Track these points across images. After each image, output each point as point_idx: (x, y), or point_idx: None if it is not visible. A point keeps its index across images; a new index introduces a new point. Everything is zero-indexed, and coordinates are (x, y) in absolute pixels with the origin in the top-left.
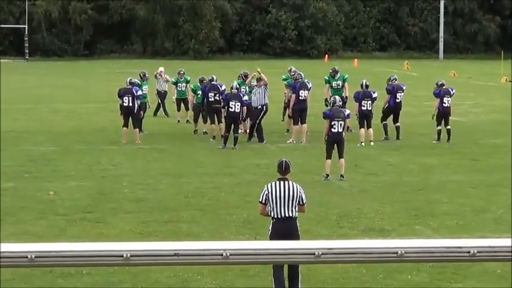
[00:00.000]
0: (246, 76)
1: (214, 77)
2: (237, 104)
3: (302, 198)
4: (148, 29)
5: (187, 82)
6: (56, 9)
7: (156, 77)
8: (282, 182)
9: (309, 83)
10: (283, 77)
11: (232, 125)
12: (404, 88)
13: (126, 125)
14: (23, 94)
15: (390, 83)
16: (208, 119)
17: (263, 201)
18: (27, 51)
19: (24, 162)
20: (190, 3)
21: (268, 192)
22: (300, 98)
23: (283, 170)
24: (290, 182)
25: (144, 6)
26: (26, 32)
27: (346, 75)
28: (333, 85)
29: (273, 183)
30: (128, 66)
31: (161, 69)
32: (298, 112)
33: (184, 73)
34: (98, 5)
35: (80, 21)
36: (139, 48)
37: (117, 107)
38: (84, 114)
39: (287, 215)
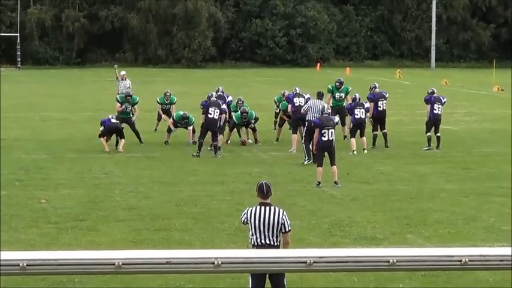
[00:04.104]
0: (241, 103)
1: (221, 88)
2: (216, 110)
3: (285, 226)
4: (141, 38)
5: (172, 104)
6: (49, 17)
7: (117, 79)
8: (263, 208)
9: (306, 94)
10: (275, 99)
11: (210, 132)
12: (386, 96)
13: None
14: (15, 102)
15: (371, 91)
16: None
17: (243, 223)
18: (19, 59)
19: (15, 171)
20: (184, 11)
21: (248, 218)
22: (296, 104)
23: (265, 193)
24: (272, 208)
25: (137, 15)
26: (18, 41)
27: (350, 88)
28: (336, 96)
29: (254, 209)
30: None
31: (123, 72)
32: (297, 121)
33: (170, 94)
34: (90, 14)
35: (73, 29)
36: (130, 56)
37: (108, 116)
38: (75, 123)
39: (267, 242)
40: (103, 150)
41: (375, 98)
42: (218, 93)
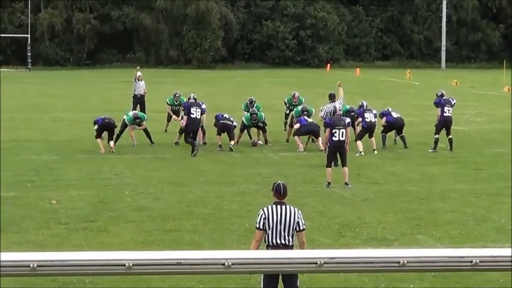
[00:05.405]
0: (252, 103)
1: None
2: (197, 110)
3: (299, 224)
4: (152, 38)
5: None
6: (59, 21)
7: (134, 80)
8: (279, 206)
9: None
10: (285, 100)
11: (193, 132)
12: (399, 114)
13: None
14: (25, 103)
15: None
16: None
17: (261, 227)
18: (29, 60)
19: (25, 172)
20: (195, 12)
21: (266, 217)
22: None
23: (282, 193)
24: (288, 206)
25: (148, 15)
26: (29, 42)
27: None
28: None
29: (270, 207)
30: (130, 75)
31: (139, 73)
32: (308, 133)
33: (180, 95)
34: (101, 15)
35: (84, 31)
36: (142, 57)
37: (118, 116)
38: (85, 123)
39: (283, 242)
40: (114, 150)
41: (386, 112)
42: (196, 102)
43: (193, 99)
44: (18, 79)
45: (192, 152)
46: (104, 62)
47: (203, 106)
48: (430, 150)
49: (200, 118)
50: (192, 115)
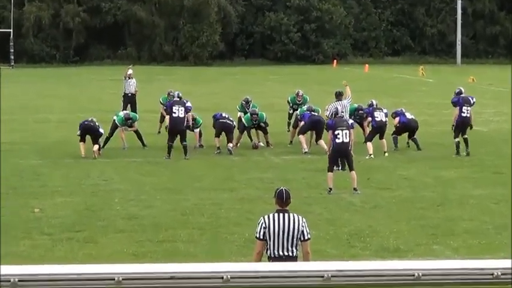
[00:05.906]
0: (248, 102)
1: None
2: (180, 108)
3: (304, 233)
4: (146, 32)
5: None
6: (47, 14)
7: (124, 78)
8: (281, 215)
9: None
10: (288, 99)
11: (178, 134)
12: (412, 115)
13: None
14: (9, 104)
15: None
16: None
17: (261, 237)
18: (12, 57)
19: (8, 177)
20: (191, 3)
21: (266, 226)
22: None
23: (284, 201)
24: (291, 214)
25: (141, 7)
26: (12, 37)
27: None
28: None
29: (271, 216)
30: (122, 72)
31: (130, 71)
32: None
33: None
34: (90, 8)
35: (72, 25)
36: (134, 53)
37: (108, 117)
38: (73, 125)
39: (286, 253)
40: (103, 154)
41: (399, 112)
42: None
43: (178, 97)
44: (1, 77)
45: (166, 156)
46: (93, 59)
47: (188, 104)
48: (454, 156)
49: (185, 117)
50: (174, 114)
